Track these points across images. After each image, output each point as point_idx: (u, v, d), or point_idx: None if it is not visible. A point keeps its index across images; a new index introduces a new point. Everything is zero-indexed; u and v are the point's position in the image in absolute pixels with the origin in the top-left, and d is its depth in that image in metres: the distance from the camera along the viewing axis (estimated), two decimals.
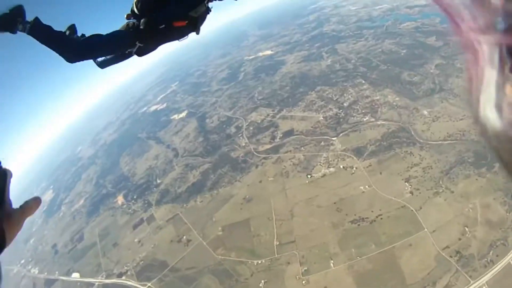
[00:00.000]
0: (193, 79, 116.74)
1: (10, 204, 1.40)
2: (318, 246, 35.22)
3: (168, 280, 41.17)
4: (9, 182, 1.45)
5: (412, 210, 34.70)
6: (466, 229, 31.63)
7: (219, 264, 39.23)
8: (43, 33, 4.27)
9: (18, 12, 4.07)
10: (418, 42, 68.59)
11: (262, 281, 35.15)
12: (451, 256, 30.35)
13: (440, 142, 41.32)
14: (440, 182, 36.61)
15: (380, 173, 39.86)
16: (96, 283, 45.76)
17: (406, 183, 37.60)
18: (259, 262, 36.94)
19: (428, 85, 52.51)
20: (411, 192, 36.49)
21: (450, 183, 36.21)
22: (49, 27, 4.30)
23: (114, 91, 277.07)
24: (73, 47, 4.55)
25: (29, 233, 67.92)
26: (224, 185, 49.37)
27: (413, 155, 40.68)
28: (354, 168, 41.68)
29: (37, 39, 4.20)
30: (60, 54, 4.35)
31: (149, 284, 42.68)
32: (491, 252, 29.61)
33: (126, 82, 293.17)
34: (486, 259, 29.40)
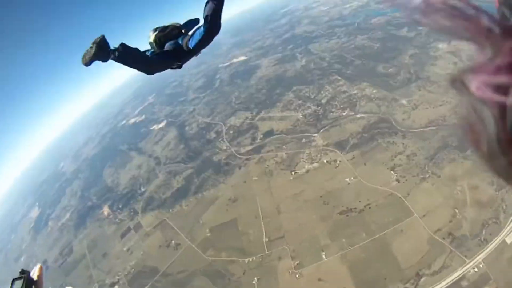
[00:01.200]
0: (170, 90, 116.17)
1: None
2: (308, 239, 34.89)
3: (161, 285, 40.84)
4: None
5: (400, 197, 34.57)
6: (456, 211, 31.64)
7: (210, 265, 38.82)
8: (129, 56, 4.94)
9: (105, 43, 4.54)
10: (390, 35, 69.37)
11: (255, 278, 34.82)
12: (443, 238, 30.24)
13: (422, 129, 41.37)
14: (426, 168, 36.69)
15: (364, 164, 39.66)
16: None
17: (391, 172, 37.50)
18: (250, 259, 36.57)
19: (404, 75, 52.87)
20: (398, 180, 36.38)
21: (436, 168, 36.30)
22: (136, 49, 5.19)
23: (92, 107, 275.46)
24: (153, 64, 5.81)
25: (19, 250, 66.36)
26: (208, 188, 48.69)
27: (396, 144, 40.69)
28: (338, 162, 41.35)
29: (122, 63, 4.83)
30: (141, 71, 5.44)
31: None
32: (484, 231, 29.60)
33: (103, 98, 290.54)
34: (479, 238, 29.36)
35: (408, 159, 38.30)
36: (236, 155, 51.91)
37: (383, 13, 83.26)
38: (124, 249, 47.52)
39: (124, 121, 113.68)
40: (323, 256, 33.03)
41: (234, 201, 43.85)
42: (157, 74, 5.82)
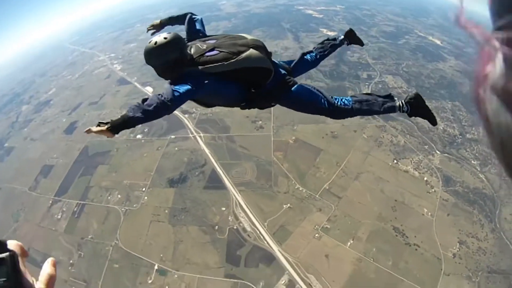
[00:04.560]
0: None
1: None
2: (353, 220, 35.78)
3: (219, 143, 44.98)
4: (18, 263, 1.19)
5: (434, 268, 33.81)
6: None
7: (268, 163, 41.15)
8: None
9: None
10: None
11: (288, 204, 36.88)
12: None
13: None
14: None
15: (448, 214, 38.73)
16: None
17: (457, 243, 35.96)
18: (300, 188, 38.35)
19: None
20: (454, 255, 34.94)
21: None
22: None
23: None
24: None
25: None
26: None
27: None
28: (433, 190, 40.25)
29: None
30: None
31: (201, 134, 47.25)
32: None
33: None
34: None
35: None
36: None
37: None
38: None
39: (302, 7, 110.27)
40: (348, 243, 34.17)
41: (334, 136, 44.55)
42: None
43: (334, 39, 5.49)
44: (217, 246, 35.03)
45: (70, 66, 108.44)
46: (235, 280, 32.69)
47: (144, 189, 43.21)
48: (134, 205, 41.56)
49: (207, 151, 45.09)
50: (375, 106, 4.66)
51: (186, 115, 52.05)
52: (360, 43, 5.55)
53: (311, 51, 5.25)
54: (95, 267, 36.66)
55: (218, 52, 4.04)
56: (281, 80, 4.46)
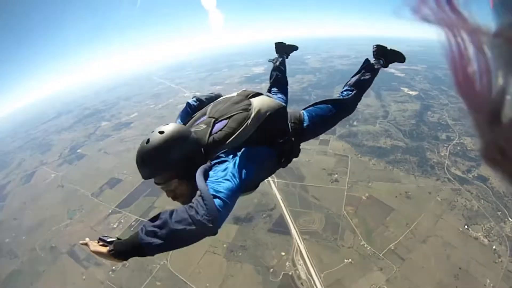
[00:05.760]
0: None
1: None
2: (412, 285, 34.17)
3: (292, 190, 45.90)
4: None
5: None
6: None
7: (338, 216, 40.99)
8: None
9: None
10: None
11: (350, 260, 36.14)
12: None
13: None
14: None
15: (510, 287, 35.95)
16: None
17: None
18: (365, 245, 37.63)
19: None
20: None
21: None
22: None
23: None
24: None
25: None
26: (400, 168, 48.68)
27: None
28: (499, 260, 36.85)
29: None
30: None
31: (275, 180, 47.83)
32: None
33: None
34: None
35: None
36: (445, 169, 49.33)
37: None
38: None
39: None
40: None
41: (407, 197, 43.58)
42: None
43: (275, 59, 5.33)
44: None
45: (154, 96, 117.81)
46: None
47: None
48: None
49: (278, 196, 45.64)
50: (367, 81, 4.69)
51: None
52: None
53: (274, 85, 4.96)
54: (136, 280, 37.55)
55: (226, 120, 3.19)
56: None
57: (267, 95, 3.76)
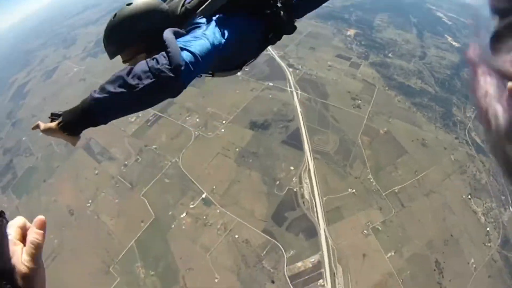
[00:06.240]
0: None
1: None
2: (405, 234, 34.38)
3: (313, 106, 45.03)
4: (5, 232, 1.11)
5: None
6: None
7: (352, 142, 40.45)
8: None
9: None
10: None
11: (353, 190, 35.79)
12: None
13: None
14: None
15: (489, 276, 34.00)
16: None
17: None
18: (371, 180, 37.19)
19: None
20: None
21: None
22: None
23: None
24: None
25: None
26: (425, 114, 47.19)
27: None
28: (489, 245, 35.99)
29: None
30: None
31: (299, 92, 47.22)
32: None
33: None
34: None
35: None
36: (467, 131, 46.47)
37: None
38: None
39: None
40: (388, 254, 32.69)
41: (423, 144, 42.68)
42: None
43: None
44: (270, 200, 34.93)
45: None
46: (270, 238, 32.75)
47: (224, 121, 44.07)
48: (209, 133, 42.58)
49: (298, 109, 44.72)
50: None
51: (291, 69, 52.10)
52: None
53: None
54: (147, 175, 37.95)
55: None
56: None
57: None
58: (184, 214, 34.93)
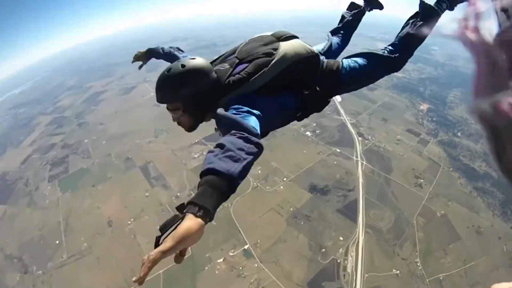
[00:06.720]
0: None
1: None
2: None
3: (375, 179, 45.26)
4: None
5: None
6: None
7: (407, 222, 40.20)
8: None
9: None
10: None
11: (398, 271, 35.54)
12: None
13: None
14: None
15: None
16: None
17: None
18: (418, 263, 37.00)
19: None
20: None
21: None
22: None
23: None
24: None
25: None
26: (484, 200, 45.81)
27: None
28: None
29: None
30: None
31: (364, 163, 48.23)
32: None
33: None
34: None
35: None
36: None
37: None
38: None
39: None
40: None
41: (478, 232, 41.58)
42: None
43: (358, 6, 4.50)
44: (311, 266, 35.23)
45: None
46: None
47: (285, 179, 45.02)
48: (267, 187, 43.68)
49: (361, 180, 45.25)
50: (420, 31, 3.53)
51: (360, 138, 53.39)
52: (380, 6, 4.47)
53: (339, 29, 4.33)
54: None
55: (247, 64, 3.03)
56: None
57: (304, 41, 3.34)
58: (221, 260, 35.42)
